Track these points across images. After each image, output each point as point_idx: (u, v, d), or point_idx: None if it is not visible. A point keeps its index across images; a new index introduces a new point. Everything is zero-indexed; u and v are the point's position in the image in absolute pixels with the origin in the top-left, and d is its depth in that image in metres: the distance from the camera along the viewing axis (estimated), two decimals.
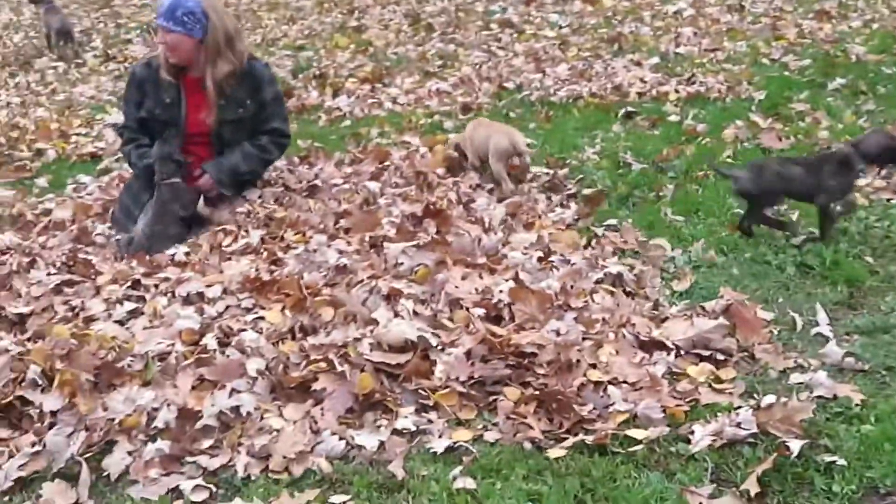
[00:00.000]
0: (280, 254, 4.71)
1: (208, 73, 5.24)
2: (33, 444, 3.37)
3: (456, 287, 4.12)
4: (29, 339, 4.03)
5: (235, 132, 5.37)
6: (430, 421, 3.39)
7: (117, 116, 7.79)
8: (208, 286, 4.37)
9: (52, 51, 12.10)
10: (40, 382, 3.65)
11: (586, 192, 5.51)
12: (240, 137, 5.41)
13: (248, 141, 5.45)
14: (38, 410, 3.53)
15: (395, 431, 3.34)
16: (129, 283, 4.53)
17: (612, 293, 4.19)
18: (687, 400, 3.39)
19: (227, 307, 4.23)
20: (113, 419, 3.44)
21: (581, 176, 5.77)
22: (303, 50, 10.84)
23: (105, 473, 3.25)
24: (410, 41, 10.69)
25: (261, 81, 5.44)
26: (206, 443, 3.33)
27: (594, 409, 3.38)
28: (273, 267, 4.59)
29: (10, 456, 3.33)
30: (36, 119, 8.99)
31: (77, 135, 8.11)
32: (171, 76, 5.35)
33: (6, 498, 3.18)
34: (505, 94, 8.05)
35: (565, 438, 3.24)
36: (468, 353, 3.63)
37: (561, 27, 10.32)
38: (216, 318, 4.13)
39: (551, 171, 5.84)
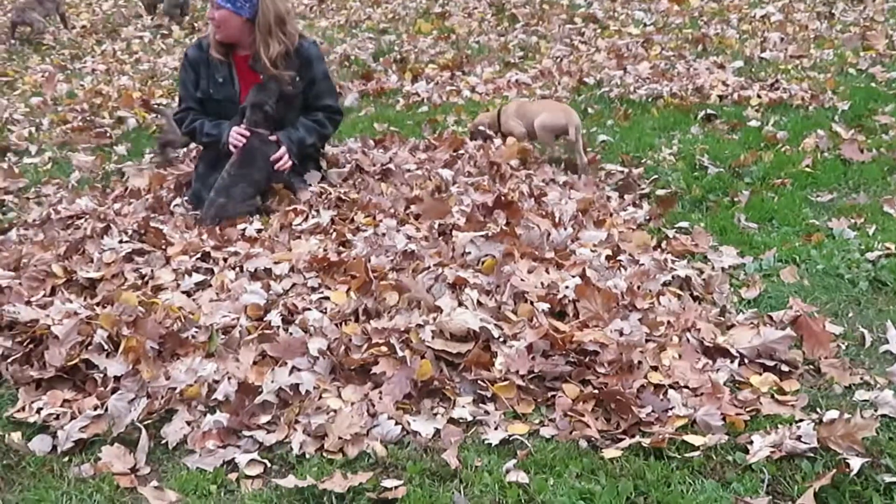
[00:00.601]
0: (349, 235, 4.73)
1: (262, 51, 5.30)
2: (95, 408, 3.45)
3: (522, 280, 4.11)
4: (98, 304, 4.11)
5: (286, 109, 5.40)
6: (486, 412, 3.39)
7: None
8: (276, 263, 4.41)
9: (152, 18, 12.14)
10: (106, 347, 3.72)
11: (660, 192, 5.47)
12: (290, 114, 5.45)
13: (302, 116, 5.51)
14: (102, 375, 3.61)
15: (452, 420, 3.35)
16: (198, 255, 4.59)
17: (678, 296, 4.15)
18: (748, 409, 3.34)
19: (294, 285, 4.26)
20: (174, 388, 3.50)
21: (655, 176, 5.73)
22: (385, 33, 10.89)
23: (163, 441, 3.31)
24: (493, 31, 10.68)
25: (310, 59, 5.51)
26: (264, 418, 3.37)
27: (653, 411, 3.35)
28: (341, 248, 4.61)
29: (73, 417, 3.41)
30: (119, 87, 9.14)
31: (158, 104, 8.23)
32: (220, 55, 5.44)
33: (66, 458, 3.24)
34: (584, 90, 8.00)
35: (622, 439, 3.22)
36: (529, 347, 3.62)
37: (645, 25, 10.23)
38: (282, 295, 4.17)
39: (626, 170, 5.80)
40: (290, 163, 5.33)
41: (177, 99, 5.73)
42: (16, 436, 3.34)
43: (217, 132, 5.37)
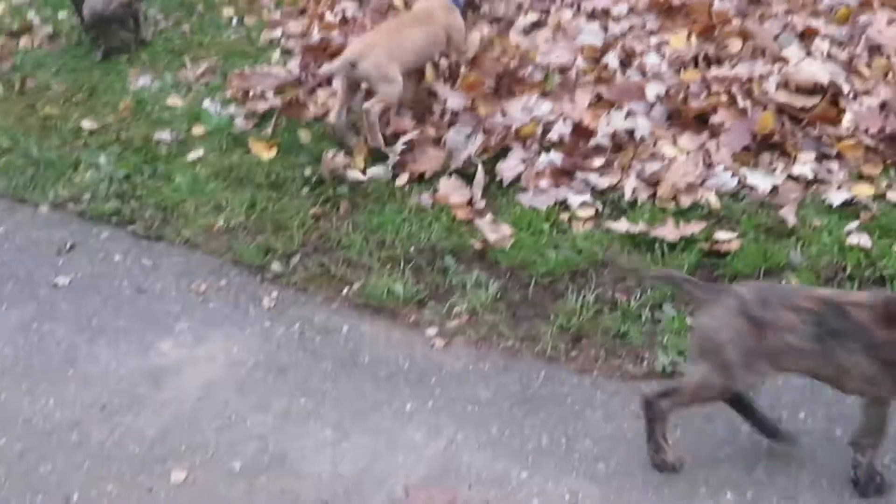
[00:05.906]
0: None
1: None
2: (435, 142, 3.56)
3: (879, 32, 3.80)
4: None
5: None
6: (829, 171, 3.24)
7: None
8: (615, 3, 4.28)
9: None
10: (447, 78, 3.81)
11: None
12: None
13: None
14: (441, 108, 3.70)
15: (791, 177, 3.23)
16: None
17: None
18: None
19: (632, 27, 4.14)
20: (510, 126, 3.54)
21: None
22: None
23: (498, 178, 3.39)
24: None
25: None
26: (598, 161, 3.37)
27: None
28: None
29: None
30: None
31: None
32: None
33: (406, 187, 3.40)
34: None
35: None
36: (882, 105, 3.40)
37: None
38: (619, 36, 4.07)
39: None
40: None
41: None
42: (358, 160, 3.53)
43: None
